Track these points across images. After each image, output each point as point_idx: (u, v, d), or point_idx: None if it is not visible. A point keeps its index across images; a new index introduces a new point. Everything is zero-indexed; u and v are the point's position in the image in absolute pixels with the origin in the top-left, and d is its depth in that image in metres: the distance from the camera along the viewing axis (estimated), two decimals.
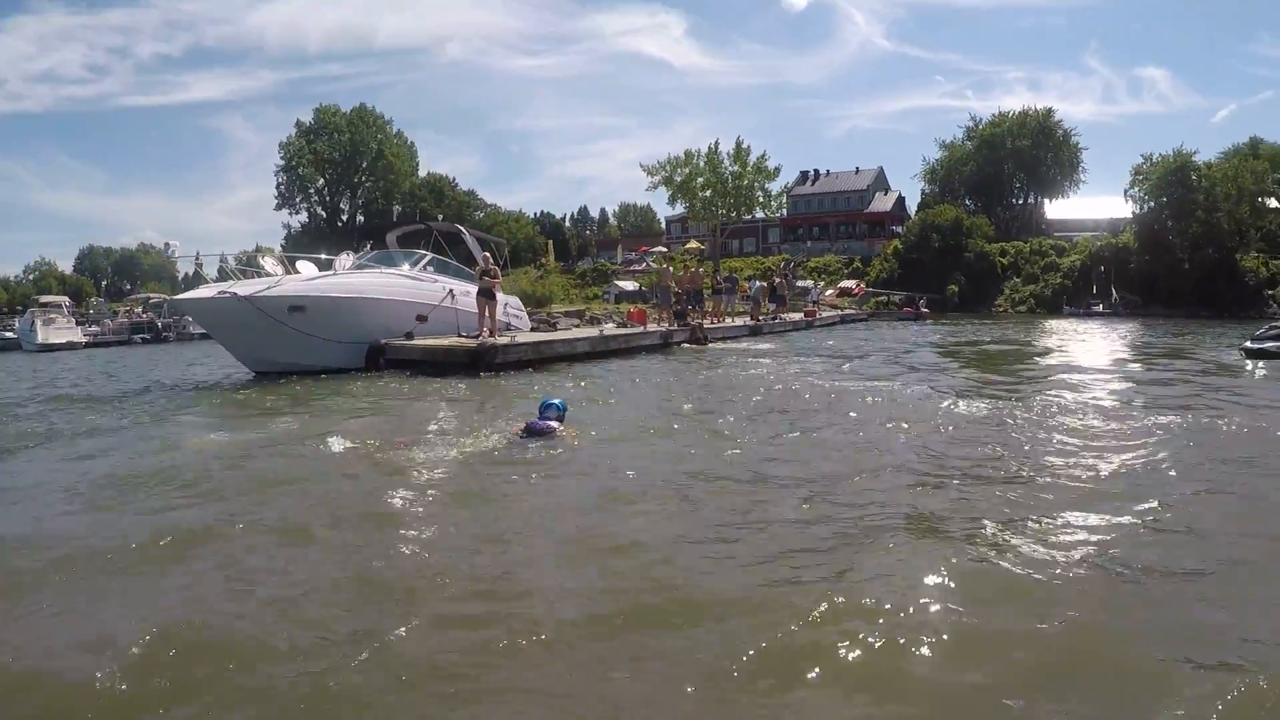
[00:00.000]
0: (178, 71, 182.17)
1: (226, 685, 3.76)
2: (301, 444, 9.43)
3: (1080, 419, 11.61)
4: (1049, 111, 79.26)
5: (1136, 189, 63.87)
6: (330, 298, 16.77)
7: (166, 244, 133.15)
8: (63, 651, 4.12)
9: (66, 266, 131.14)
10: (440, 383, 15.18)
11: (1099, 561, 5.36)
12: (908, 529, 6.09)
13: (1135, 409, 12.92)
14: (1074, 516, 6.37)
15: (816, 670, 3.90)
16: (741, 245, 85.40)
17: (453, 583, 5.01)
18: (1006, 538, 5.83)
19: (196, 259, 20.68)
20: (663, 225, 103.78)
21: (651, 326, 26.43)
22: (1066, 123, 79.83)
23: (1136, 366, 21.98)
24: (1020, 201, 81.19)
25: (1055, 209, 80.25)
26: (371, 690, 3.70)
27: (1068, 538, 5.82)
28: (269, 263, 18.45)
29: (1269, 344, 22.60)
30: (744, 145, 61.07)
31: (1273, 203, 63.58)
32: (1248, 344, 23.63)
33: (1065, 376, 18.62)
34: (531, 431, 9.32)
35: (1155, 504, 6.70)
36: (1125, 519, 6.31)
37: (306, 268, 18.43)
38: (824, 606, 4.55)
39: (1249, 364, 21.05)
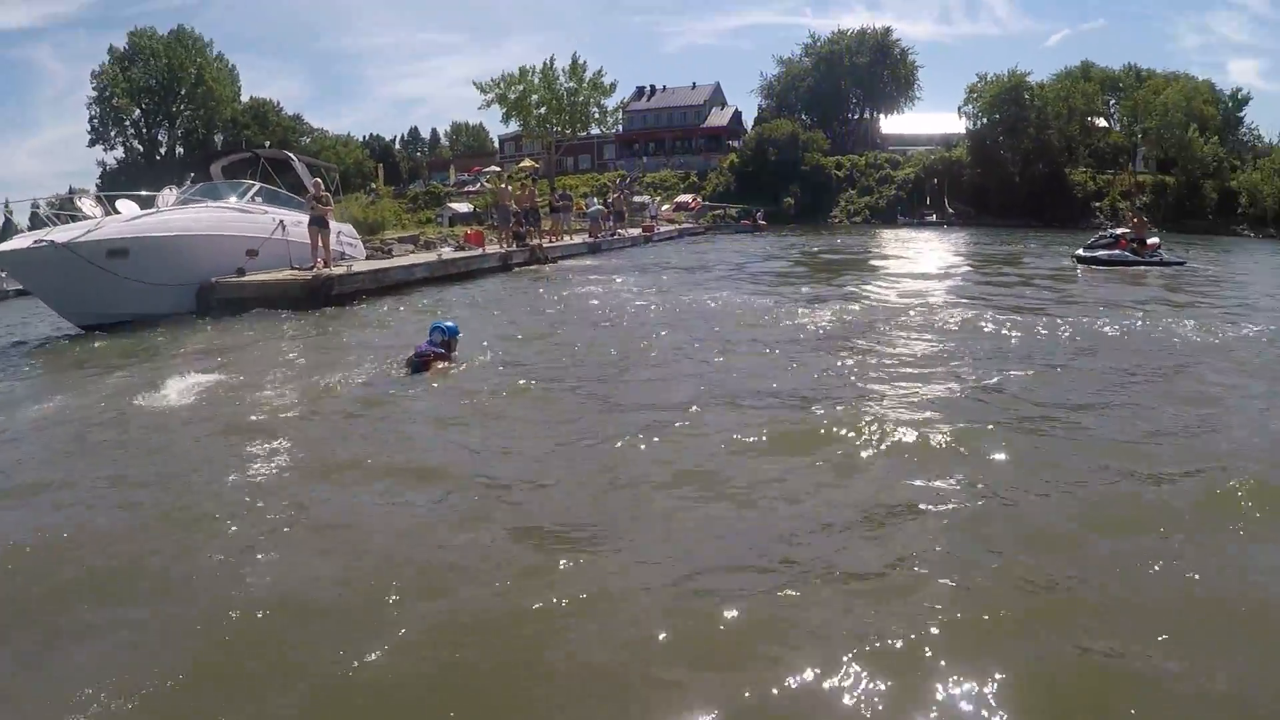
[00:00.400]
0: None
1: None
2: (132, 402, 8.81)
3: (923, 319, 12.75)
4: (887, 30, 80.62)
5: (971, 106, 67.09)
6: (154, 238, 15.68)
7: None
8: None
9: None
10: (278, 319, 14.79)
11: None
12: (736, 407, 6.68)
13: (980, 308, 14.24)
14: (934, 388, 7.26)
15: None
16: (577, 162, 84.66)
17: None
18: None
19: (5, 207, 19.24)
20: (496, 144, 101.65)
21: (490, 248, 26.27)
22: (904, 41, 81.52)
23: (975, 272, 23.55)
24: (857, 117, 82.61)
25: (891, 124, 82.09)
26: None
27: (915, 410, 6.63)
28: (87, 204, 17.05)
29: (1100, 253, 24.42)
30: (580, 61, 60.50)
31: (1101, 122, 67.46)
32: (1079, 252, 25.45)
33: (908, 283, 19.82)
34: (419, 356, 9.27)
35: (997, 377, 7.97)
36: (968, 389, 7.31)
37: (128, 207, 17.19)
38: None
39: (1079, 270, 22.88)
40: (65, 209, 17.10)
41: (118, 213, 16.55)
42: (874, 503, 5.33)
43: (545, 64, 60.41)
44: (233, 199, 18.48)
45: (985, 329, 12.01)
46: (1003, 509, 5.25)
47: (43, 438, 7.65)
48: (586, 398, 8.42)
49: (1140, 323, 12.79)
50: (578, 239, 33.71)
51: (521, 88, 59.93)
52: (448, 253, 24.32)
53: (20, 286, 21.64)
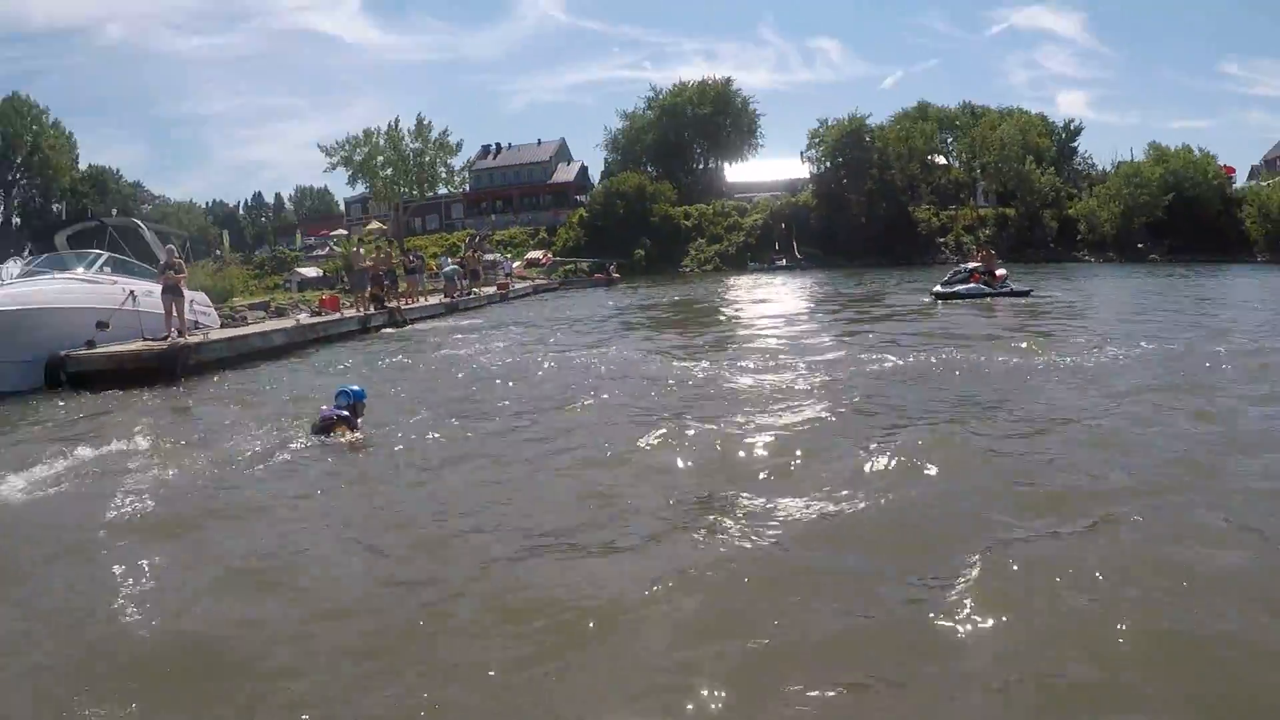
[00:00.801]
0: None
1: None
2: None
3: (793, 361, 13.46)
4: (728, 81, 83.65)
5: (813, 151, 69.89)
6: None
7: None
8: None
9: None
10: (135, 393, 14.20)
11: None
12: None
13: (851, 346, 15.15)
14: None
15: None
16: (424, 223, 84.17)
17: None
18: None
19: None
20: (343, 207, 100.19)
21: (348, 312, 25.90)
22: (744, 90, 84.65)
23: (839, 312, 24.69)
24: (702, 166, 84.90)
25: (735, 172, 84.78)
26: None
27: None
28: None
29: (958, 287, 25.83)
30: (425, 122, 60.64)
31: (941, 160, 70.99)
32: (937, 288, 26.88)
33: (772, 329, 20.60)
34: (324, 421, 8.94)
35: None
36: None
37: None
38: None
39: (939, 306, 24.30)
40: None
41: None
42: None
43: (390, 125, 60.56)
44: (80, 269, 17.81)
45: (867, 366, 12.85)
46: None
47: None
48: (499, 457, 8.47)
49: (993, 352, 13.88)
50: (433, 299, 33.52)
51: (367, 149, 59.65)
52: (305, 318, 23.84)
53: None
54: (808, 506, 6.26)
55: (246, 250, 77.62)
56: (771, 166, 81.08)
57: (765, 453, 7.82)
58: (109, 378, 15.27)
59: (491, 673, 4.09)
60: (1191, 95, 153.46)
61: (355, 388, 9.58)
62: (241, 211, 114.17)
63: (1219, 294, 28.45)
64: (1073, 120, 78.73)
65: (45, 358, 15.62)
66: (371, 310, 26.09)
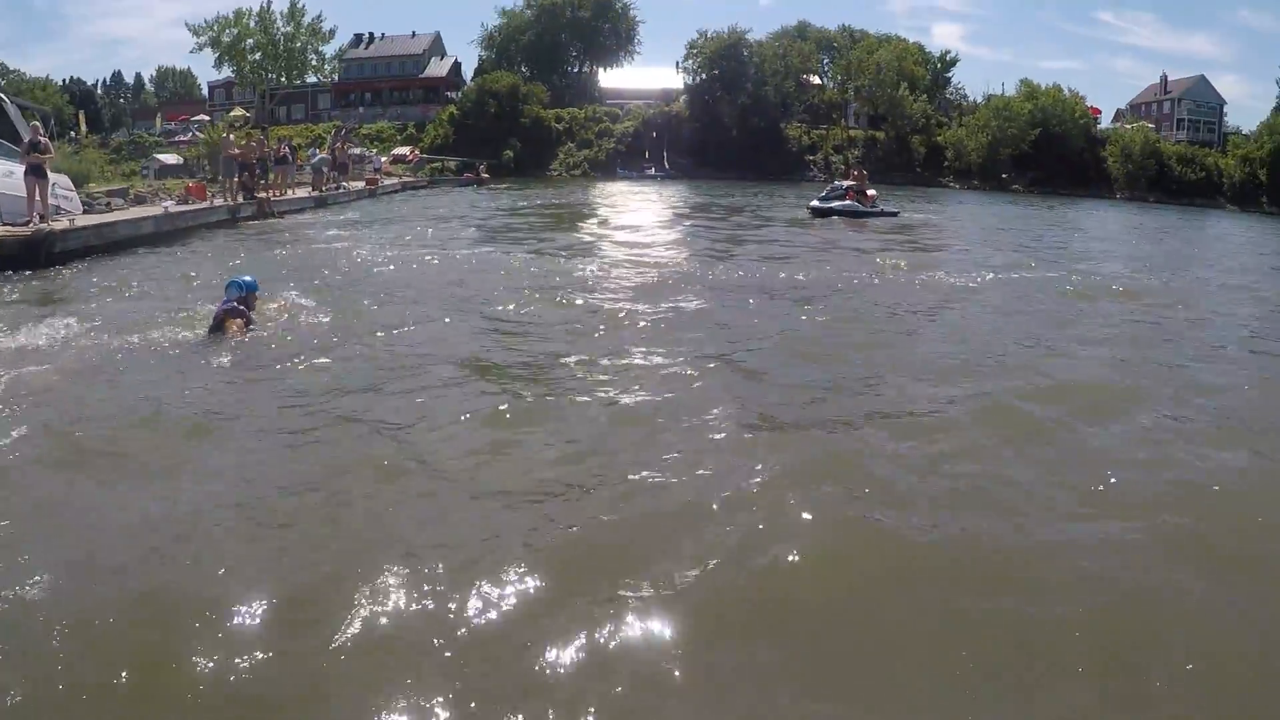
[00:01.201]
0: None
1: None
2: None
3: (665, 271, 14.41)
4: None
5: (690, 61, 69.79)
6: None
7: None
8: None
9: None
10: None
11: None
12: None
13: (734, 259, 16.24)
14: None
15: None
16: (290, 112, 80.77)
17: None
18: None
19: None
20: (206, 92, 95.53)
21: (216, 201, 25.43)
22: None
23: (711, 224, 25.58)
24: (577, 70, 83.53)
25: (610, 78, 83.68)
26: None
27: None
28: None
29: (834, 204, 26.96)
30: (299, 5, 58.39)
31: (816, 80, 72.01)
32: (814, 203, 28.02)
33: (649, 234, 21.54)
34: (217, 319, 8.46)
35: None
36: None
37: None
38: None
39: (816, 221, 25.48)
40: None
41: None
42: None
43: (263, 6, 57.98)
44: None
45: (751, 276, 14.16)
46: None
47: None
48: (391, 357, 8.64)
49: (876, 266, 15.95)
50: (301, 192, 32.99)
51: (236, 31, 57.17)
52: (172, 206, 23.33)
53: None
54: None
55: (104, 133, 73.64)
56: (647, 75, 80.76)
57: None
58: None
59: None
60: (1065, 38, 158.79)
61: (247, 278, 9.05)
62: (100, 91, 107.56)
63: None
64: (949, 51, 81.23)
65: None
66: (240, 200, 25.67)
